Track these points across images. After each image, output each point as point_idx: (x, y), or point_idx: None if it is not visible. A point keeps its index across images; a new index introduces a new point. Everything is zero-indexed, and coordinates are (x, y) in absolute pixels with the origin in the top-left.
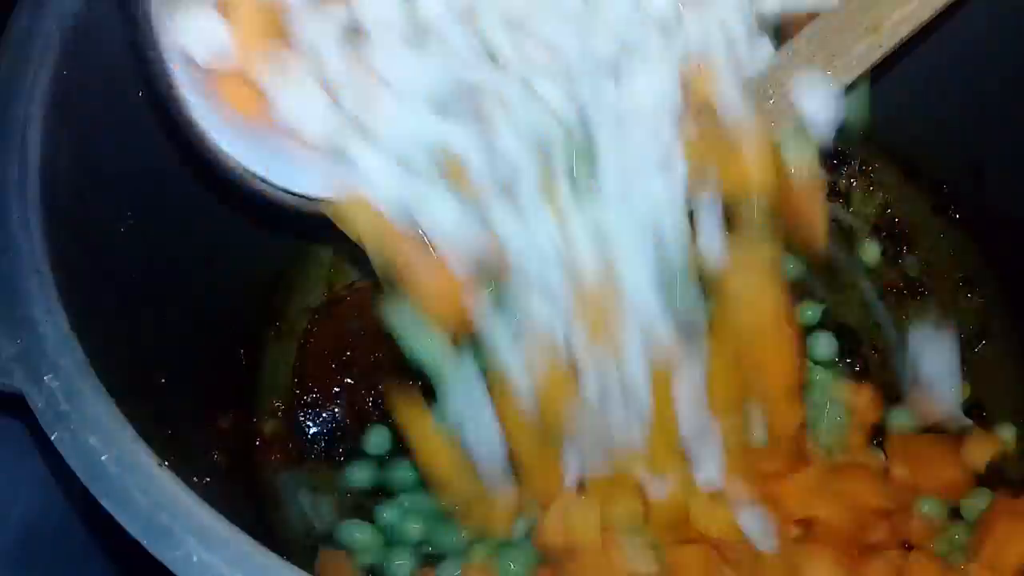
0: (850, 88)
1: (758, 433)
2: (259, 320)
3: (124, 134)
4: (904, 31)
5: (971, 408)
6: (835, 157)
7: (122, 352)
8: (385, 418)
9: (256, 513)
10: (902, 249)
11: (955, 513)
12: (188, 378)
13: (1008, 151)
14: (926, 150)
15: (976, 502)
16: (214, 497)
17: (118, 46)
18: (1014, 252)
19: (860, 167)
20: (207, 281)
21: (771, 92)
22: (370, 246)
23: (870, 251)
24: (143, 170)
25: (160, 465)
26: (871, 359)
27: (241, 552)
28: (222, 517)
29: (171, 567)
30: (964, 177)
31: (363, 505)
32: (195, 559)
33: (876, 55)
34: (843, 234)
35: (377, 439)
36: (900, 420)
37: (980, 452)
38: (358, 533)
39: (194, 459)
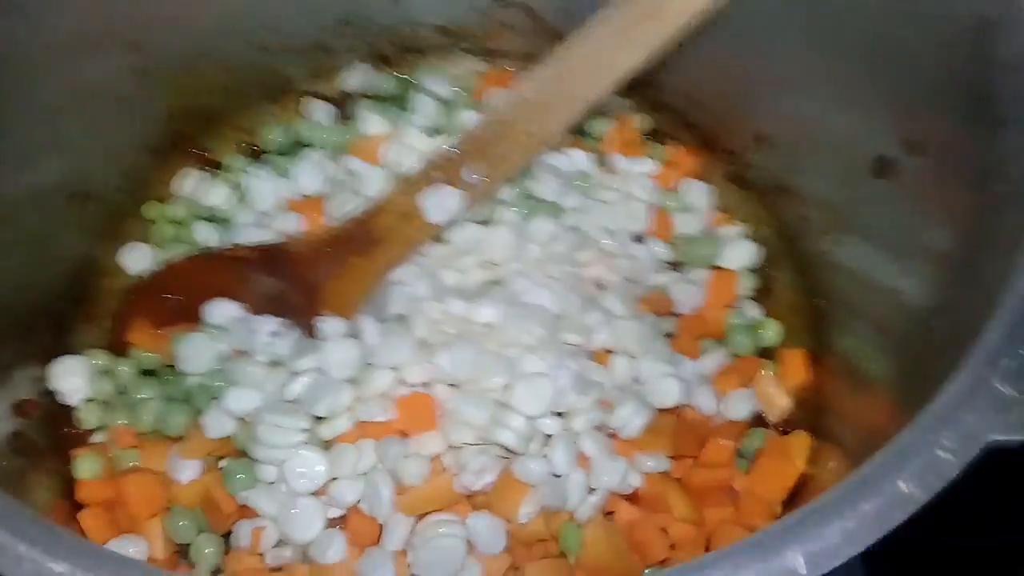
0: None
1: None
2: (65, 303)
3: None
4: (683, 18)
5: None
6: (649, 133)
7: None
8: None
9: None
10: None
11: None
12: None
13: (785, 125)
14: (721, 124)
15: (753, 440)
16: (18, 479)
17: None
18: (792, 216)
19: (666, 141)
20: (7, 267)
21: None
22: None
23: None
24: None
25: None
26: None
27: (21, 522)
28: (28, 507)
29: None
30: (750, 146)
31: None
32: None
33: (659, 40)
34: None
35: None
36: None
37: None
38: None
39: None
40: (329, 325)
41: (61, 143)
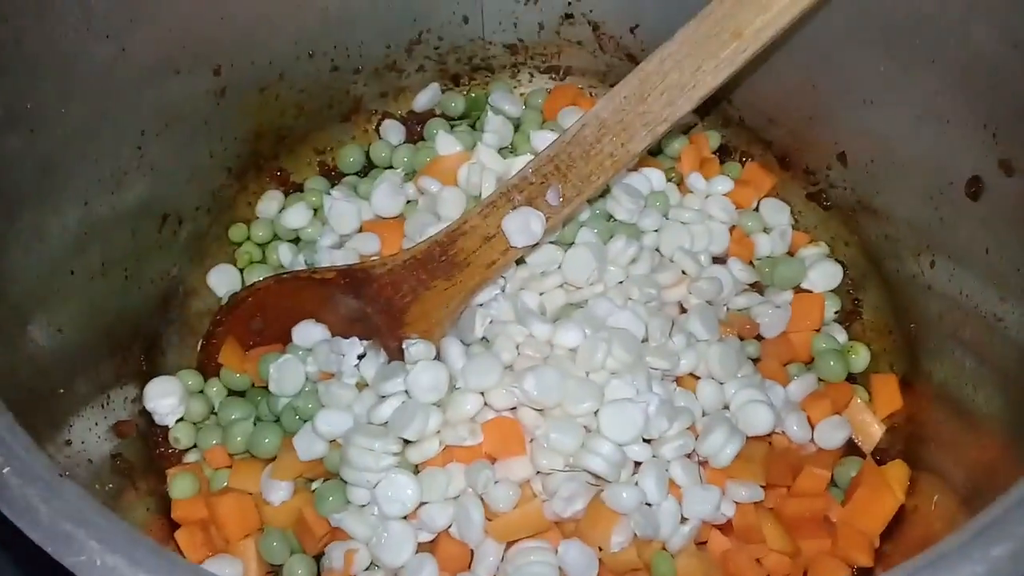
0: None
1: None
2: (158, 324)
3: (15, 148)
4: (765, 36)
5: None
6: (719, 150)
7: (20, 365)
8: None
9: (162, 508)
10: None
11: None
12: (87, 386)
13: (865, 143)
14: (797, 142)
15: (847, 469)
16: (117, 498)
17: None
18: (877, 236)
19: (741, 159)
20: (103, 291)
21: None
22: None
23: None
24: (34, 182)
25: (61, 475)
26: None
27: (142, 553)
28: (123, 521)
29: (75, 571)
30: (831, 166)
31: None
32: (98, 562)
33: (741, 58)
34: None
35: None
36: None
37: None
38: None
39: (95, 464)
40: (416, 348)
41: (148, 166)
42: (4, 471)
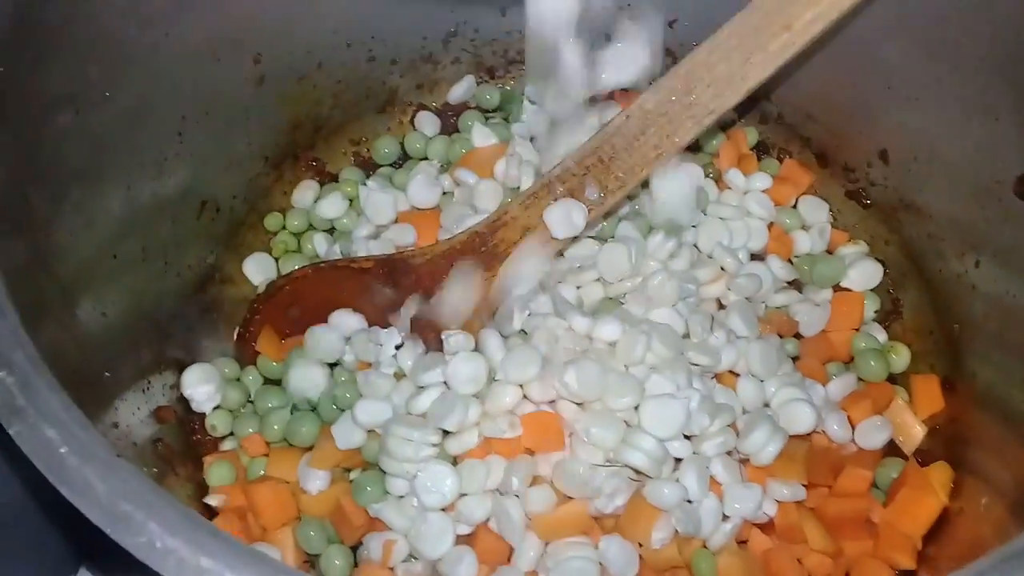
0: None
1: None
2: (195, 311)
3: (63, 131)
4: (816, 29)
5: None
6: (757, 146)
7: (69, 346)
8: None
9: (199, 495)
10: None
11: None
12: (130, 370)
13: (908, 140)
14: (837, 138)
15: (889, 470)
16: (160, 482)
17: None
18: (918, 234)
19: (779, 155)
20: (144, 276)
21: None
22: None
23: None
24: (80, 166)
25: (118, 455)
26: None
27: (202, 535)
28: (181, 503)
29: (134, 553)
30: (871, 163)
31: None
32: (158, 544)
33: (791, 51)
34: None
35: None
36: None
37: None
38: None
39: (139, 447)
40: (455, 339)
41: (188, 152)
42: (62, 450)
